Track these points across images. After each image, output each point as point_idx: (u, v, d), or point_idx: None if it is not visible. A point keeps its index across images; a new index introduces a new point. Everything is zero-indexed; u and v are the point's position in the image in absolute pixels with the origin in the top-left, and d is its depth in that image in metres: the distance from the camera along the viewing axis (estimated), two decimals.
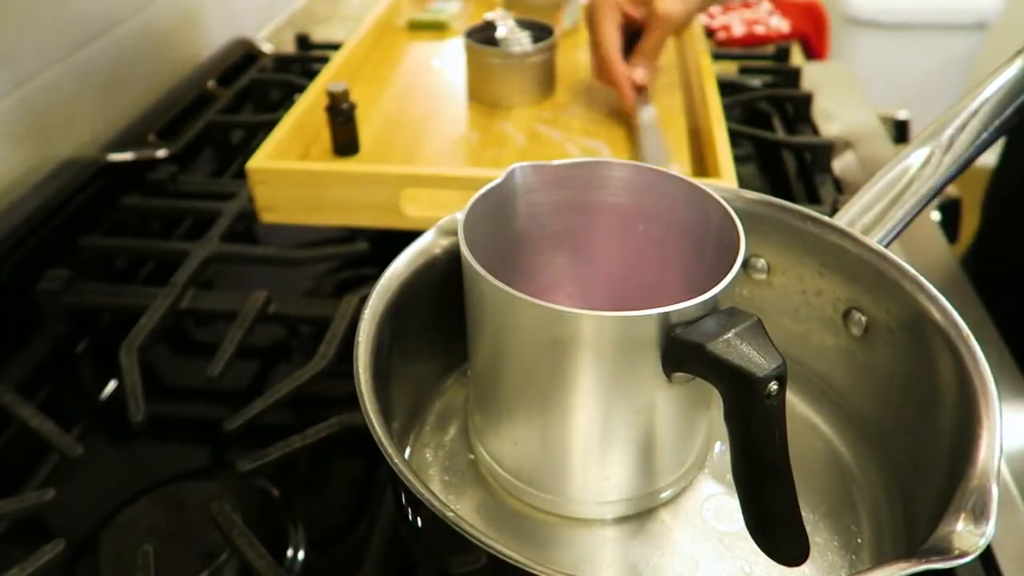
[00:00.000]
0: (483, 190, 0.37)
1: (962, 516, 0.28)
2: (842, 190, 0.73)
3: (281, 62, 0.97)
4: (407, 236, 0.41)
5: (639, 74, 0.73)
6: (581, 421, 0.34)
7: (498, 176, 0.38)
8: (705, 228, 0.37)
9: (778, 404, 0.30)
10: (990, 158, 0.48)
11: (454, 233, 0.40)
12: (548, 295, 0.41)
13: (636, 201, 0.40)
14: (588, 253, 0.41)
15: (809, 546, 0.32)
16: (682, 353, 0.31)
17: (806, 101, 0.85)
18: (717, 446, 0.41)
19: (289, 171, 0.62)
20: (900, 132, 0.94)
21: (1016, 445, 0.48)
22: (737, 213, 0.36)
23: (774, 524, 0.32)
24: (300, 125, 0.68)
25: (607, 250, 0.41)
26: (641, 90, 0.74)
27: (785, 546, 0.32)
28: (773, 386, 0.29)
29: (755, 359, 0.29)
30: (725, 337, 0.30)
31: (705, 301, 0.31)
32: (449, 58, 0.89)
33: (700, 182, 0.38)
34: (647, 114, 0.73)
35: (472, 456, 0.41)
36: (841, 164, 0.77)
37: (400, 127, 0.75)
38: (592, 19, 0.74)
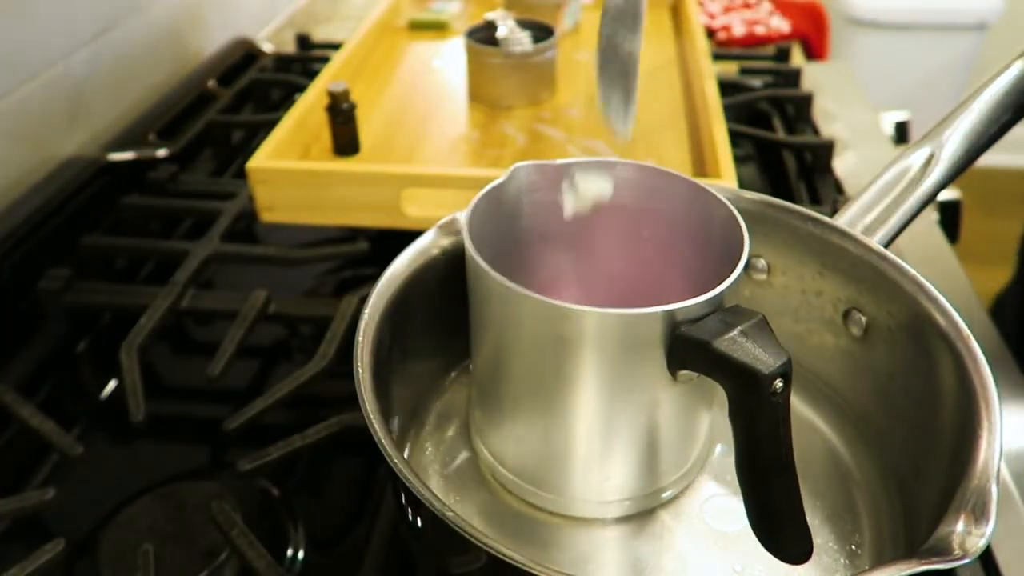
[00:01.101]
0: (486, 189, 0.37)
1: (962, 516, 0.28)
2: (842, 190, 0.73)
3: (281, 62, 0.97)
4: (407, 236, 0.40)
5: None
6: (584, 420, 0.34)
7: (500, 175, 0.38)
8: (708, 227, 0.37)
9: (783, 401, 0.30)
10: (991, 158, 0.48)
11: (455, 233, 0.40)
12: (551, 294, 0.40)
13: (639, 200, 0.40)
14: (591, 252, 0.41)
15: (812, 544, 0.32)
16: (687, 351, 0.31)
17: (806, 101, 0.85)
18: (718, 447, 0.41)
19: (289, 171, 0.62)
20: (900, 132, 0.94)
21: (1016, 445, 0.48)
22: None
23: (778, 521, 0.32)
24: (300, 125, 0.68)
25: (610, 249, 0.41)
26: None
27: (789, 544, 0.32)
28: (778, 383, 0.29)
29: (760, 356, 0.29)
30: (730, 334, 0.30)
31: (710, 299, 0.31)
32: (449, 58, 0.89)
33: (702, 182, 0.38)
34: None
35: (473, 455, 0.41)
36: (841, 164, 0.77)
37: (400, 127, 0.75)
38: None
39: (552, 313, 0.32)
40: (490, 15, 0.79)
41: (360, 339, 0.35)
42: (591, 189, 0.39)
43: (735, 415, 0.31)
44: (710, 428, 0.39)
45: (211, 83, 0.89)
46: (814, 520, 0.38)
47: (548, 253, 0.41)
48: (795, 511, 0.31)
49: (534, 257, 0.41)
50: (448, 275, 0.39)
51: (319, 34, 1.08)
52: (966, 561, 0.26)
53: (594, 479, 0.36)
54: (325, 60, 0.90)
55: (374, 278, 0.38)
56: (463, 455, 0.41)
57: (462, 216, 0.36)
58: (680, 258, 0.40)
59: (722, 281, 0.32)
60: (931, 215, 0.75)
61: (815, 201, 0.71)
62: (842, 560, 0.36)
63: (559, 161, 0.39)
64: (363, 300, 0.37)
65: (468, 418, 0.42)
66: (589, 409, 0.34)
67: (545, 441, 0.36)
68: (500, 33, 0.77)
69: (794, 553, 0.32)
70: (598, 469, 0.36)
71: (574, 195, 0.39)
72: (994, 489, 0.28)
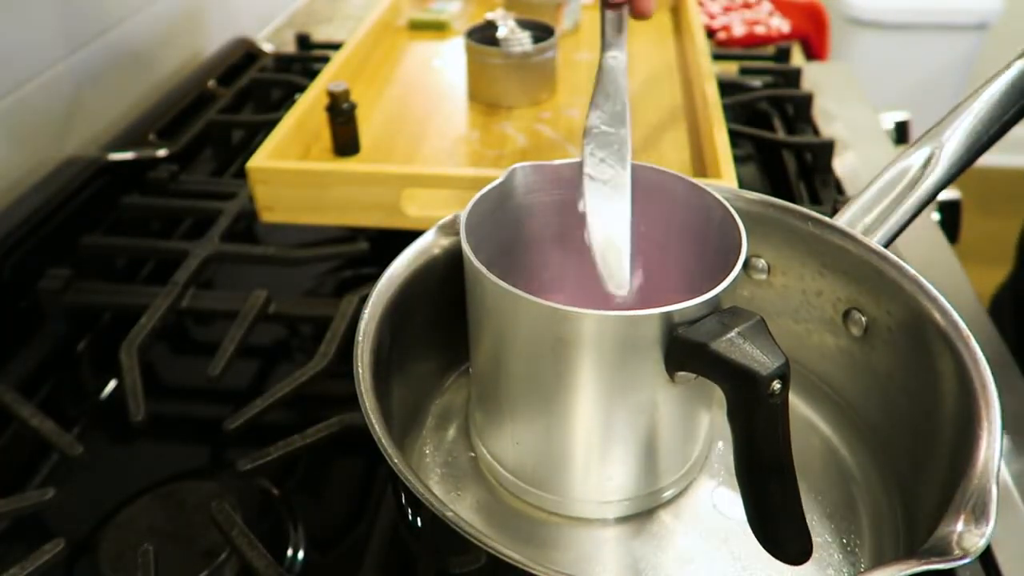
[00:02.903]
0: (484, 190, 0.37)
1: (962, 516, 0.28)
2: (842, 190, 0.73)
3: (282, 62, 0.97)
4: (407, 236, 0.40)
5: None
6: (583, 421, 0.34)
7: (499, 176, 0.38)
8: (706, 228, 0.37)
9: (781, 402, 0.30)
10: (990, 158, 0.48)
11: (454, 233, 0.40)
12: (549, 294, 0.40)
13: (637, 201, 0.40)
14: (589, 253, 0.41)
15: (812, 544, 0.32)
16: (685, 352, 0.31)
17: (806, 101, 0.85)
18: (718, 446, 0.41)
19: (289, 171, 0.62)
20: (900, 132, 0.94)
21: (1016, 445, 0.48)
22: (737, 213, 0.36)
23: (777, 522, 0.32)
24: (300, 125, 0.68)
25: None
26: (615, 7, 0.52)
27: (788, 544, 0.32)
28: (776, 384, 0.29)
29: (758, 358, 0.29)
30: (728, 336, 0.30)
31: (707, 300, 0.31)
32: (450, 58, 0.89)
33: (701, 182, 0.38)
34: (613, 59, 0.49)
35: (473, 455, 0.41)
36: (841, 164, 0.77)
37: (401, 127, 0.75)
38: None
39: (549, 315, 0.32)
40: (490, 15, 0.79)
41: (360, 339, 0.35)
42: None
43: (733, 416, 0.31)
44: (710, 427, 0.39)
45: (211, 83, 0.89)
46: (813, 520, 0.38)
47: (547, 253, 0.41)
48: (794, 511, 0.31)
49: (533, 257, 0.41)
50: (448, 275, 0.39)
51: (319, 34, 1.08)
52: (966, 561, 0.26)
53: (594, 479, 0.36)
54: (325, 60, 0.90)
55: (374, 278, 0.38)
56: (463, 455, 0.41)
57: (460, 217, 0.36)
58: (678, 258, 0.40)
59: (720, 282, 0.32)
60: (931, 215, 0.75)
61: (815, 201, 0.71)
62: (841, 560, 0.36)
63: (557, 162, 0.39)
64: (363, 300, 0.37)
65: (468, 418, 0.42)
66: (588, 410, 0.34)
67: (545, 442, 0.36)
68: (500, 33, 0.77)
69: (793, 553, 0.32)
70: (598, 469, 0.36)
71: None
72: (994, 489, 0.28)
